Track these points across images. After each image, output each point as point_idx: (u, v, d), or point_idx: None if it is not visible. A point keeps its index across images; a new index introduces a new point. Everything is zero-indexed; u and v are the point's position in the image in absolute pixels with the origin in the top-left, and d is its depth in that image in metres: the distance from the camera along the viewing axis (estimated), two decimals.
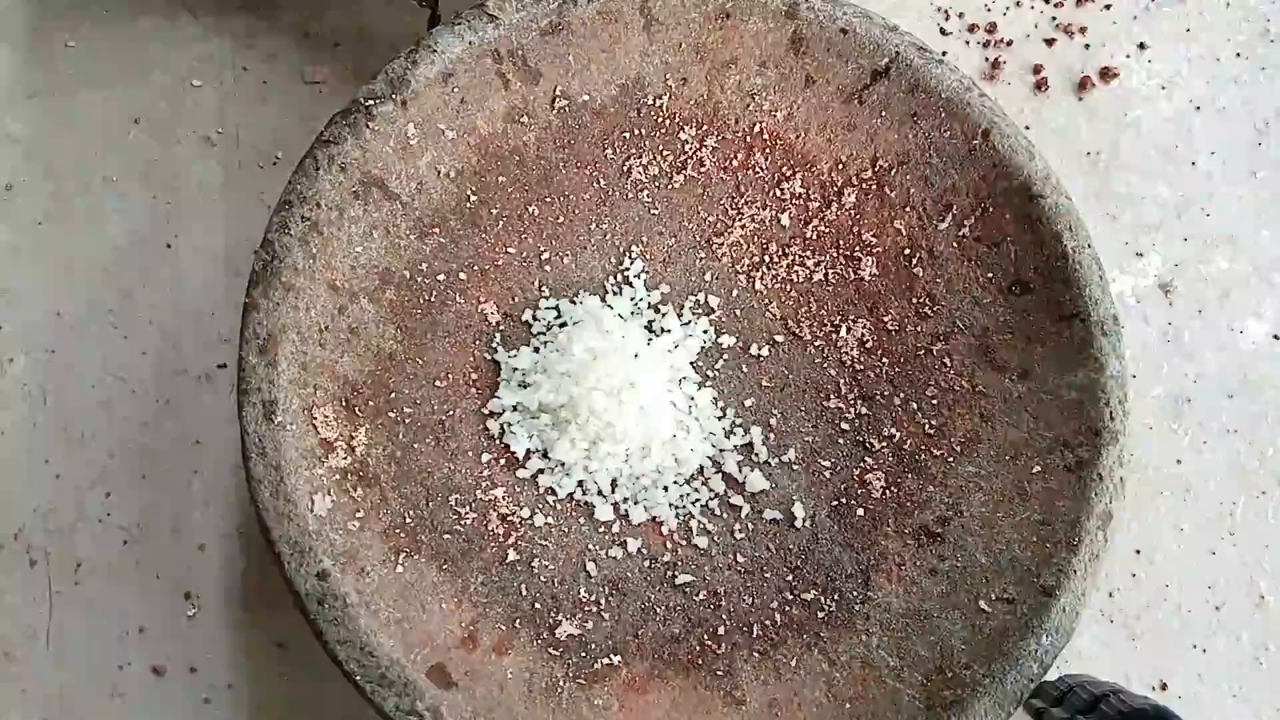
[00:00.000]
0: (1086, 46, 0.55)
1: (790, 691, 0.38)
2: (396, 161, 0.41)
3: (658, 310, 0.44)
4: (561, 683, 0.37)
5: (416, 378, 0.41)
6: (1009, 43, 0.54)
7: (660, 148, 0.45)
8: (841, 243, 0.44)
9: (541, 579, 0.39)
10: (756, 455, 0.42)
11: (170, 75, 0.50)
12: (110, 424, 0.46)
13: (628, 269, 0.44)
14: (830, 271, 0.44)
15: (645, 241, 0.44)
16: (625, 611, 0.39)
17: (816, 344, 0.43)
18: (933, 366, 0.42)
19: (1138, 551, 0.47)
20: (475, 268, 0.43)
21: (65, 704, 0.43)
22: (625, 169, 0.44)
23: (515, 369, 0.42)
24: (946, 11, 0.55)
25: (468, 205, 0.43)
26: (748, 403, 0.43)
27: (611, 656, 0.38)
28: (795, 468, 0.42)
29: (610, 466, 0.41)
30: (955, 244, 0.43)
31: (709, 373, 0.43)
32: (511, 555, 0.39)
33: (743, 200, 0.45)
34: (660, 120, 0.45)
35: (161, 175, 0.49)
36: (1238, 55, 0.55)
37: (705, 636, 0.39)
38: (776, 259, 0.44)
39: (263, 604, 0.44)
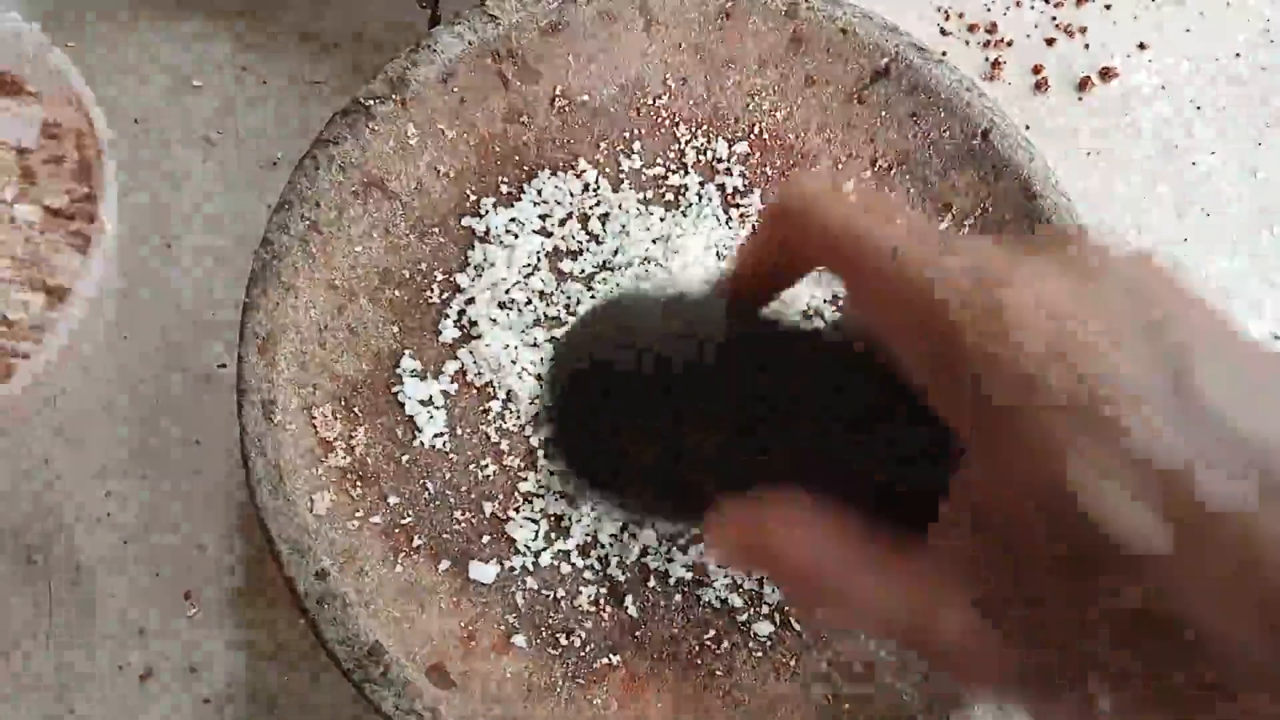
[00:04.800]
0: (1086, 46, 0.55)
1: (790, 691, 0.38)
2: (396, 161, 0.41)
3: None
4: (560, 682, 0.37)
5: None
6: (1009, 43, 0.54)
7: (660, 147, 0.45)
8: None
9: (541, 577, 0.39)
10: None
11: (170, 75, 0.50)
12: (110, 424, 0.46)
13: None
14: None
15: None
16: (624, 611, 0.39)
17: None
18: None
19: None
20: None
21: (65, 704, 0.43)
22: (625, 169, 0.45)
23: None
24: (946, 11, 0.55)
25: (467, 205, 0.43)
26: None
27: (610, 656, 0.38)
28: None
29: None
30: None
31: None
32: (511, 556, 0.39)
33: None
34: (660, 120, 0.45)
35: (161, 175, 0.49)
36: (1238, 55, 0.55)
37: (704, 636, 0.39)
38: None
39: (263, 604, 0.44)
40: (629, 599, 0.39)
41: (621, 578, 0.39)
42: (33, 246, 0.30)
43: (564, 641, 0.38)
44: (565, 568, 0.39)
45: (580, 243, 0.44)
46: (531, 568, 0.39)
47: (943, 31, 0.54)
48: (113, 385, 0.47)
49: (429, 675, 0.36)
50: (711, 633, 0.39)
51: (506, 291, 0.42)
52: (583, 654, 0.38)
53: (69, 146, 0.32)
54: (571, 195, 0.44)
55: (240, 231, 0.49)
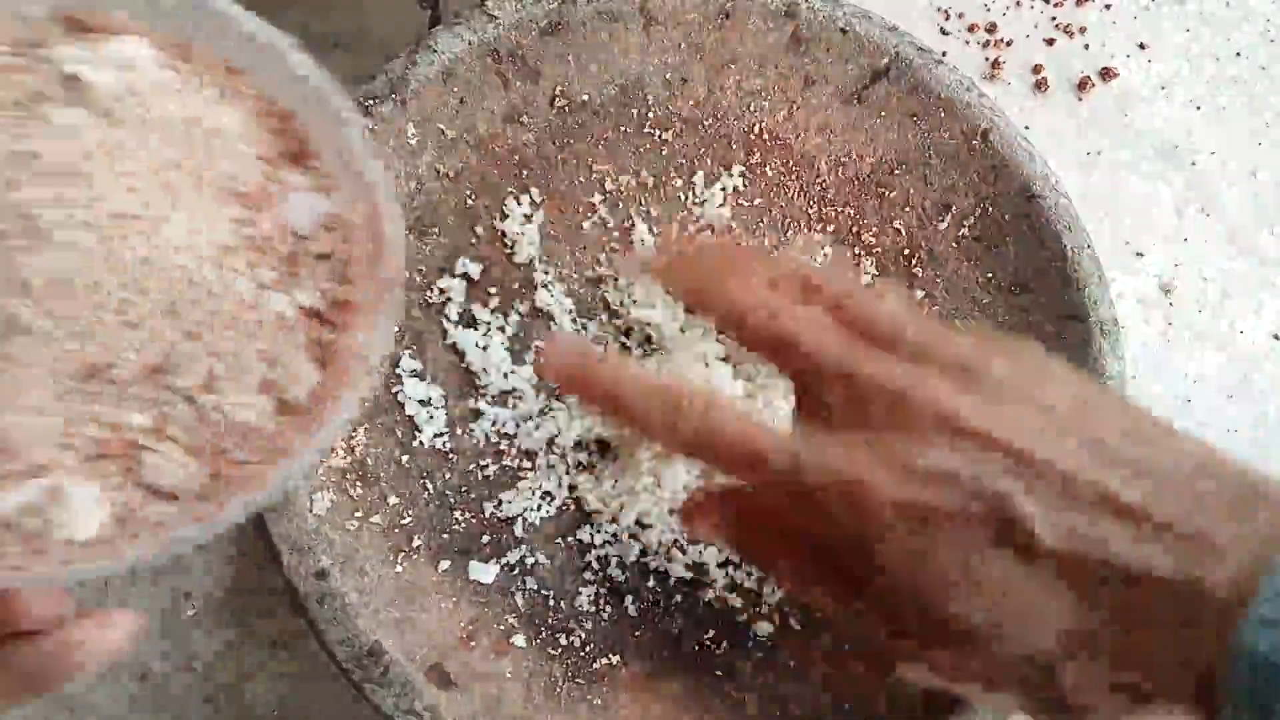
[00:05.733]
0: (1086, 47, 0.55)
1: (790, 691, 0.38)
2: (396, 161, 0.41)
3: None
4: (560, 682, 0.37)
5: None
6: (1009, 43, 0.54)
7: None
8: (840, 244, 0.44)
9: (541, 577, 0.39)
10: None
11: None
12: None
13: None
14: None
15: None
16: (624, 611, 0.39)
17: None
18: None
19: None
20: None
21: (65, 704, 0.43)
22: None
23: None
24: (946, 11, 0.55)
25: (467, 205, 0.43)
26: None
27: (610, 656, 0.38)
28: None
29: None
30: (955, 244, 0.43)
31: None
32: (511, 555, 0.39)
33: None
34: (659, 120, 0.45)
35: None
36: (1237, 55, 0.55)
37: (704, 636, 0.39)
38: None
39: (261, 604, 0.44)
40: (629, 599, 0.39)
41: (621, 578, 0.39)
42: (277, 345, 0.23)
43: (564, 641, 0.38)
44: (570, 538, 0.39)
45: None
46: (529, 563, 0.39)
47: (942, 31, 0.54)
48: None
49: (428, 675, 0.36)
50: (711, 632, 0.39)
51: None
52: (582, 654, 0.38)
53: (340, 243, 0.25)
54: None
55: None
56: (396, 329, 0.25)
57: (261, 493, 0.23)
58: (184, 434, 0.23)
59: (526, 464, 0.41)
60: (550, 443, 0.41)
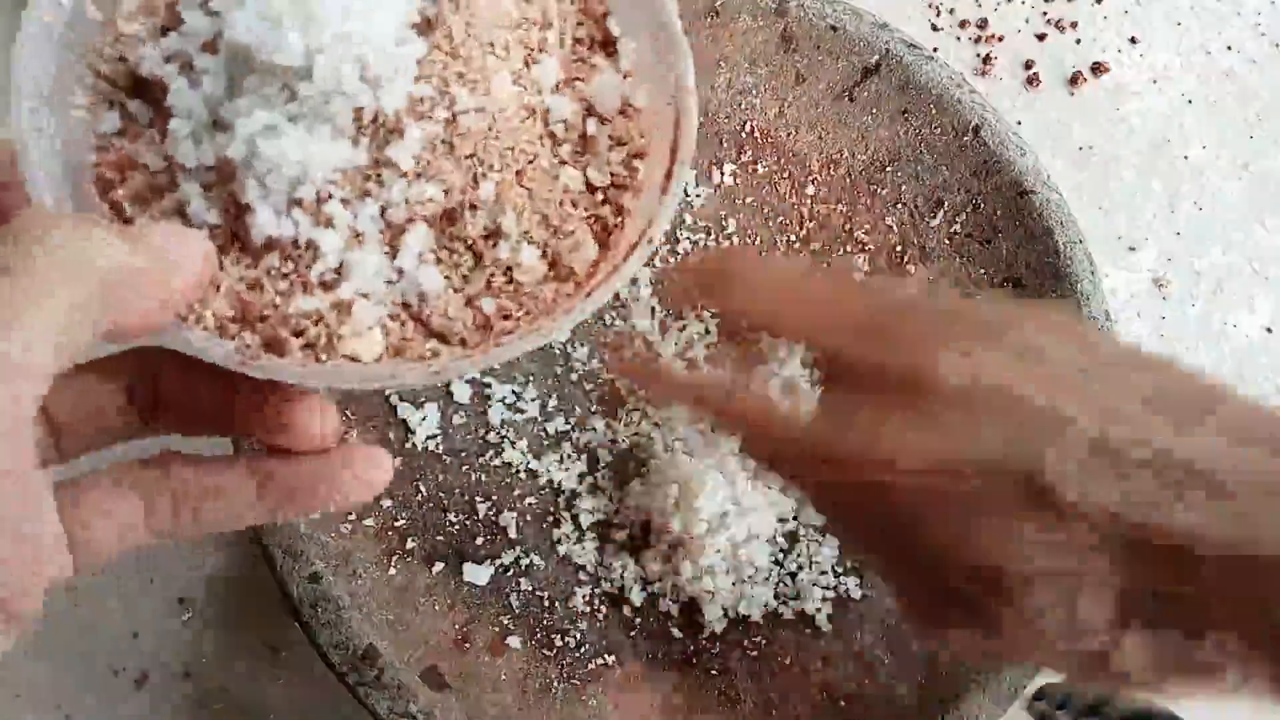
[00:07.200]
0: (1078, 41, 0.55)
1: (785, 690, 0.38)
2: None
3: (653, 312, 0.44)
4: (555, 683, 0.37)
5: None
6: (1000, 38, 0.54)
7: None
8: (833, 241, 0.44)
9: (535, 578, 0.39)
10: None
11: None
12: None
13: None
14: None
15: None
16: (619, 611, 0.39)
17: None
18: None
19: None
20: None
21: (60, 709, 0.43)
22: None
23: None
24: (937, 7, 0.55)
25: None
26: None
27: (605, 656, 0.38)
28: None
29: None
30: (947, 240, 0.43)
31: None
32: (505, 556, 0.39)
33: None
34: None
35: None
36: (1229, 48, 0.55)
37: (699, 635, 0.39)
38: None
39: (256, 608, 0.44)
40: (623, 598, 0.39)
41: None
42: (563, 216, 0.25)
43: (558, 642, 0.38)
44: (563, 549, 0.39)
45: None
46: (524, 564, 0.39)
47: (933, 28, 0.54)
48: None
49: (424, 678, 0.36)
50: (707, 631, 0.39)
51: None
52: (578, 654, 0.38)
53: (633, 131, 0.27)
54: None
55: None
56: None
57: (520, 344, 0.24)
58: (461, 280, 0.24)
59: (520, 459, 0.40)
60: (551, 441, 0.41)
